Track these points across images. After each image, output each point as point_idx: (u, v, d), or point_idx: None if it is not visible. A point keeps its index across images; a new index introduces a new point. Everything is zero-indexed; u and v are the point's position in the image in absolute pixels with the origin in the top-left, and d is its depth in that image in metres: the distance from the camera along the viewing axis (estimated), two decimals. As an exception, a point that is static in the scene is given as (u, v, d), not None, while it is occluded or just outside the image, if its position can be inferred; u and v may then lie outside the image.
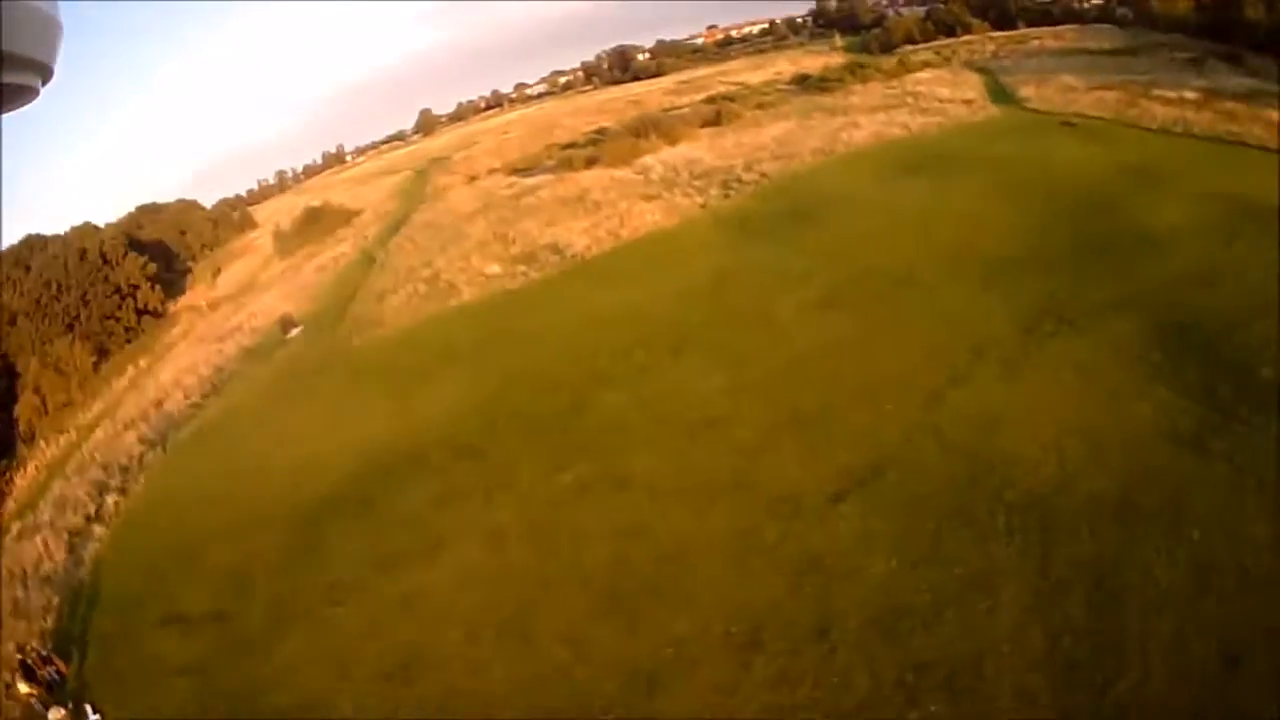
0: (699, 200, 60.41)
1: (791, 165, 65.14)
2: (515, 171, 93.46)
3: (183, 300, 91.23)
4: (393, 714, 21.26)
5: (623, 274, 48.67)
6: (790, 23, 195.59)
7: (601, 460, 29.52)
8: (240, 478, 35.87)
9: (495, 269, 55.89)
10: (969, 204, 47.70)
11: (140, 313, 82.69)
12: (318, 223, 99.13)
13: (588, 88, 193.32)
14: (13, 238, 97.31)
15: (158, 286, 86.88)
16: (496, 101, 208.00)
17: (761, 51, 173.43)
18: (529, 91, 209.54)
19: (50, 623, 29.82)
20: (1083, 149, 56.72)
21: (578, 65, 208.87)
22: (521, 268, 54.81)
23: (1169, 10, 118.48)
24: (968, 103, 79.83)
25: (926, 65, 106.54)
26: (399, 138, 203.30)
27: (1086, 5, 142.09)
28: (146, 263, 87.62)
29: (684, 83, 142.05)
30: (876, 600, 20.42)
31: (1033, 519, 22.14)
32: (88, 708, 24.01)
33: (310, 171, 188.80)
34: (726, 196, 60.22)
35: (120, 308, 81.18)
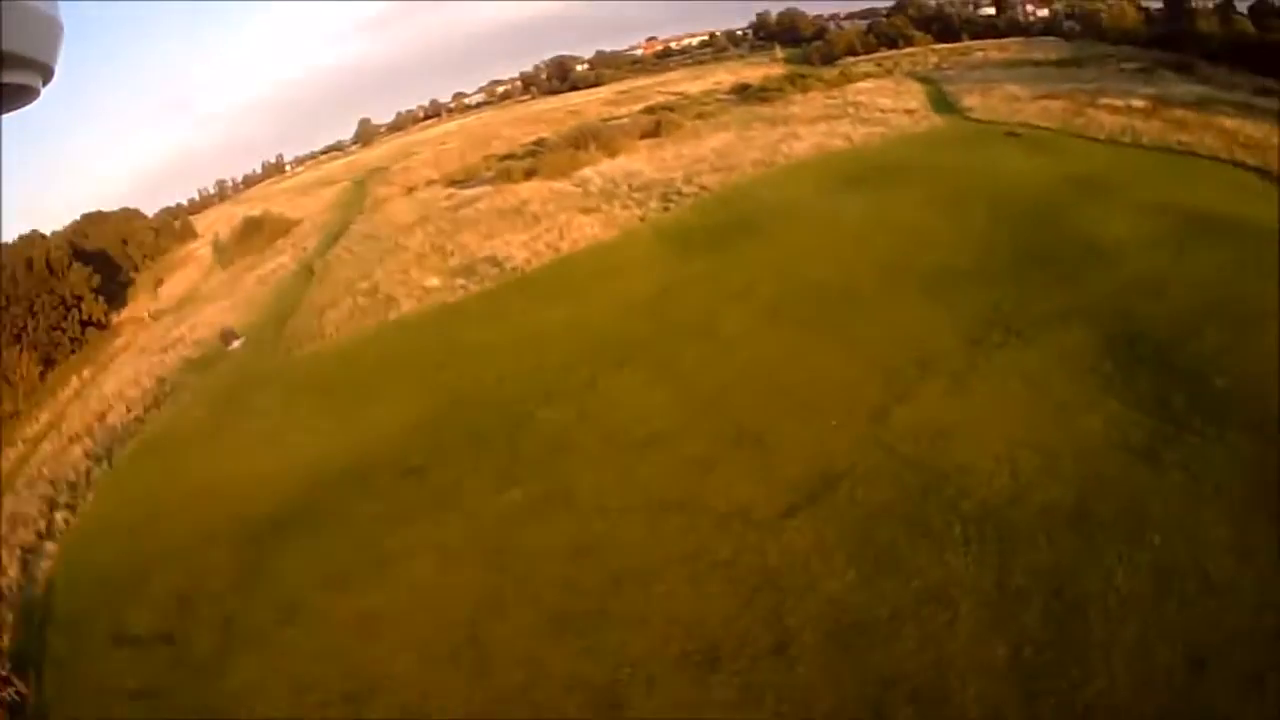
0: (638, 213, 60.49)
1: (732, 177, 65.44)
2: (453, 183, 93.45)
3: (125, 311, 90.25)
4: (349, 738, 20.92)
5: (563, 287, 48.57)
6: (730, 35, 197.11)
7: (548, 478, 29.35)
8: (186, 494, 35.26)
9: (434, 282, 55.61)
10: (912, 215, 48.15)
11: (84, 324, 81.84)
12: (257, 233, 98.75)
13: (526, 98, 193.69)
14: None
15: (101, 298, 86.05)
16: (435, 111, 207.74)
17: (701, 63, 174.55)
18: (467, 101, 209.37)
19: (7, 642, 29.21)
20: (1028, 159, 57.77)
21: (516, 75, 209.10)
22: (460, 281, 54.57)
23: (1117, 22, 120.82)
24: (910, 113, 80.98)
25: (868, 76, 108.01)
26: (338, 148, 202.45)
27: (1032, 18, 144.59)
28: (91, 274, 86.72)
29: (623, 93, 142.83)
30: (834, 614, 20.48)
31: (988, 530, 22.38)
32: None
33: (250, 181, 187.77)
34: (666, 209, 60.36)
35: (65, 319, 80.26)
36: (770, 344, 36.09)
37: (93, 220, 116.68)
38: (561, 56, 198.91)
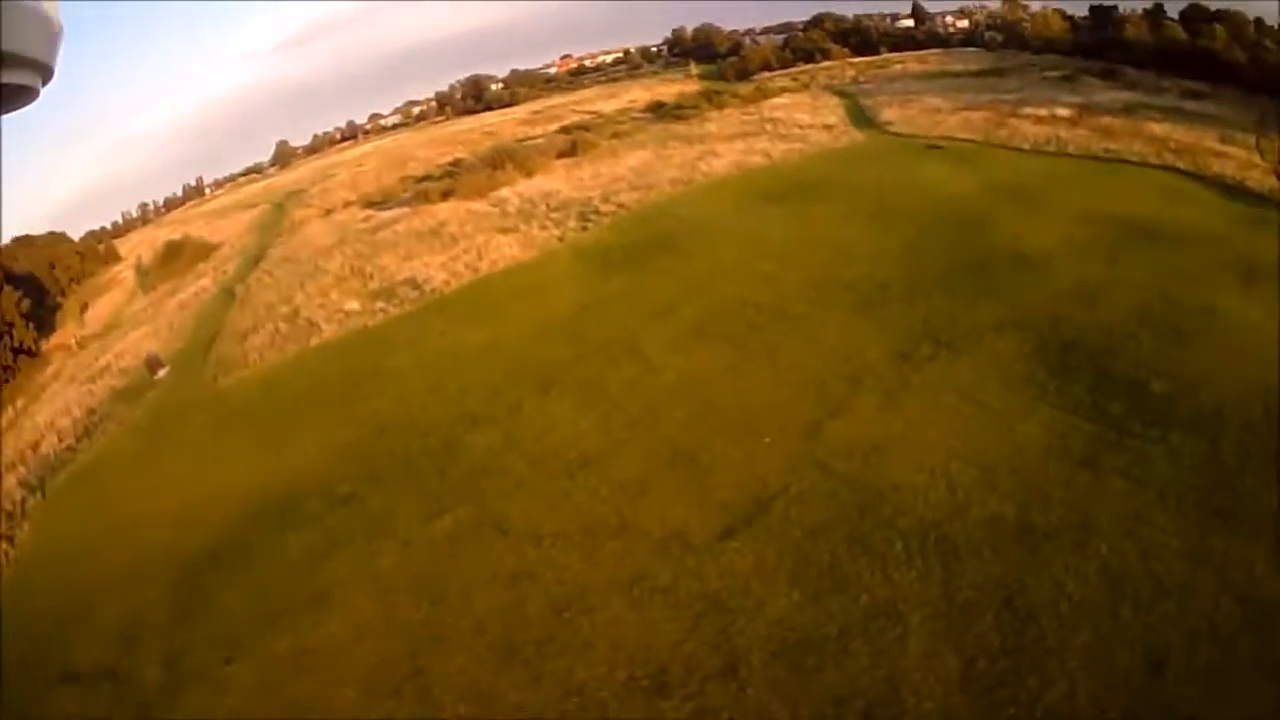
0: (556, 233, 60.38)
1: (650, 195, 65.57)
2: (371, 204, 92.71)
3: (54, 338, 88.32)
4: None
5: (483, 309, 48.25)
6: (645, 51, 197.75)
7: (479, 504, 29.00)
8: (119, 526, 34.28)
9: (354, 305, 55.00)
10: (835, 231, 48.85)
11: (16, 351, 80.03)
12: (178, 257, 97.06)
13: (441, 118, 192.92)
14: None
15: (31, 324, 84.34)
16: (351, 133, 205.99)
17: (615, 80, 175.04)
18: (383, 122, 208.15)
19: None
20: (951, 171, 58.95)
21: (431, 95, 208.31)
22: (380, 304, 54.03)
23: (1041, 31, 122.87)
24: (829, 128, 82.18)
25: (785, 91, 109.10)
26: (256, 170, 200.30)
27: (952, 29, 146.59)
28: (20, 299, 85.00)
29: (538, 112, 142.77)
30: (781, 634, 20.47)
31: (930, 544, 22.62)
32: None
33: (171, 204, 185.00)
34: (584, 228, 60.28)
35: (-1, 347, 78.61)
36: (697, 363, 36.12)
37: (21, 244, 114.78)
38: (476, 76, 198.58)
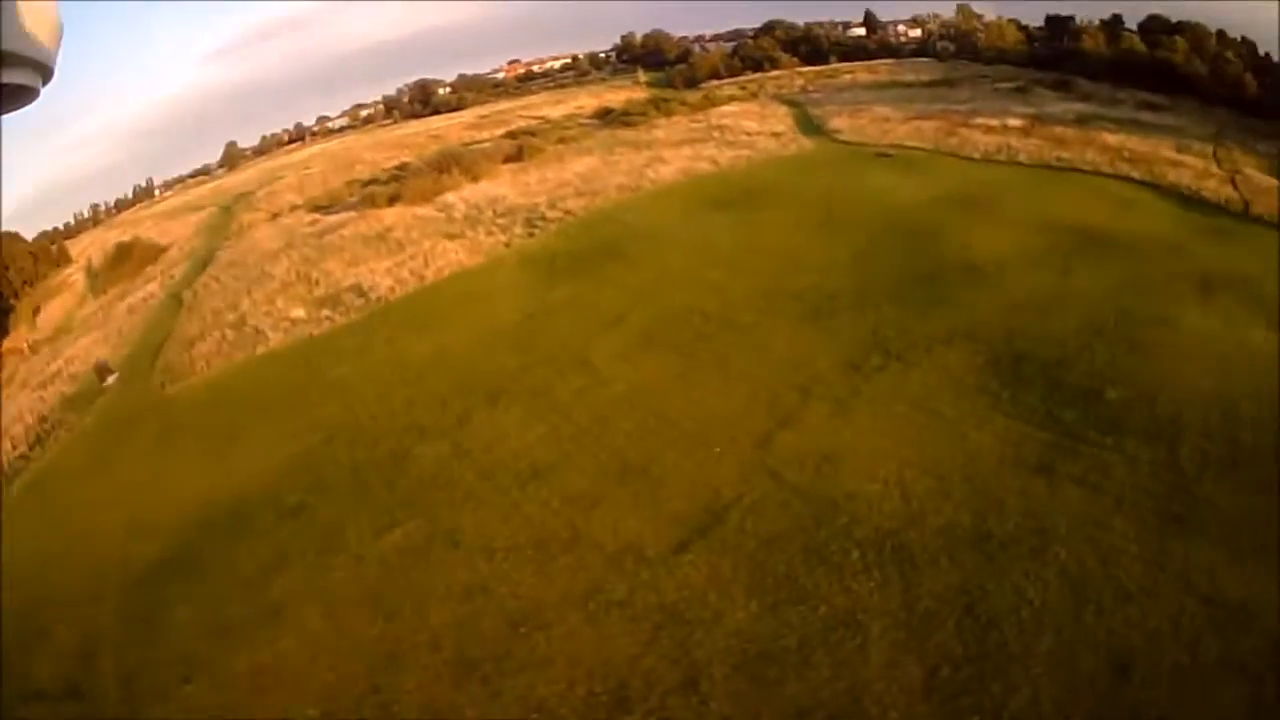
0: (503, 239, 60.12)
1: (597, 202, 65.52)
2: (317, 208, 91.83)
3: (7, 341, 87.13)
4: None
5: (429, 317, 47.86)
6: (593, 57, 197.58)
7: (430, 517, 28.71)
8: (72, 539, 33.55)
9: (300, 313, 54.41)
10: (783, 239, 49.16)
11: None
12: (128, 259, 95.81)
13: (388, 121, 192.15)
14: None
15: None
16: (299, 135, 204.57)
17: (563, 86, 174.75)
18: (331, 125, 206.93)
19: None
20: (900, 180, 59.60)
21: (379, 98, 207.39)
22: (326, 311, 53.49)
23: (995, 41, 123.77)
24: (776, 135, 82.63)
25: (733, 99, 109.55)
26: (205, 171, 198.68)
27: (904, 39, 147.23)
28: None
29: (485, 117, 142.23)
30: (740, 647, 20.53)
31: (887, 553, 22.85)
32: None
33: (122, 205, 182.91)
34: (531, 235, 60.03)
35: (-44, 351, 77.42)
36: (646, 372, 36.06)
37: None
38: (424, 80, 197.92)
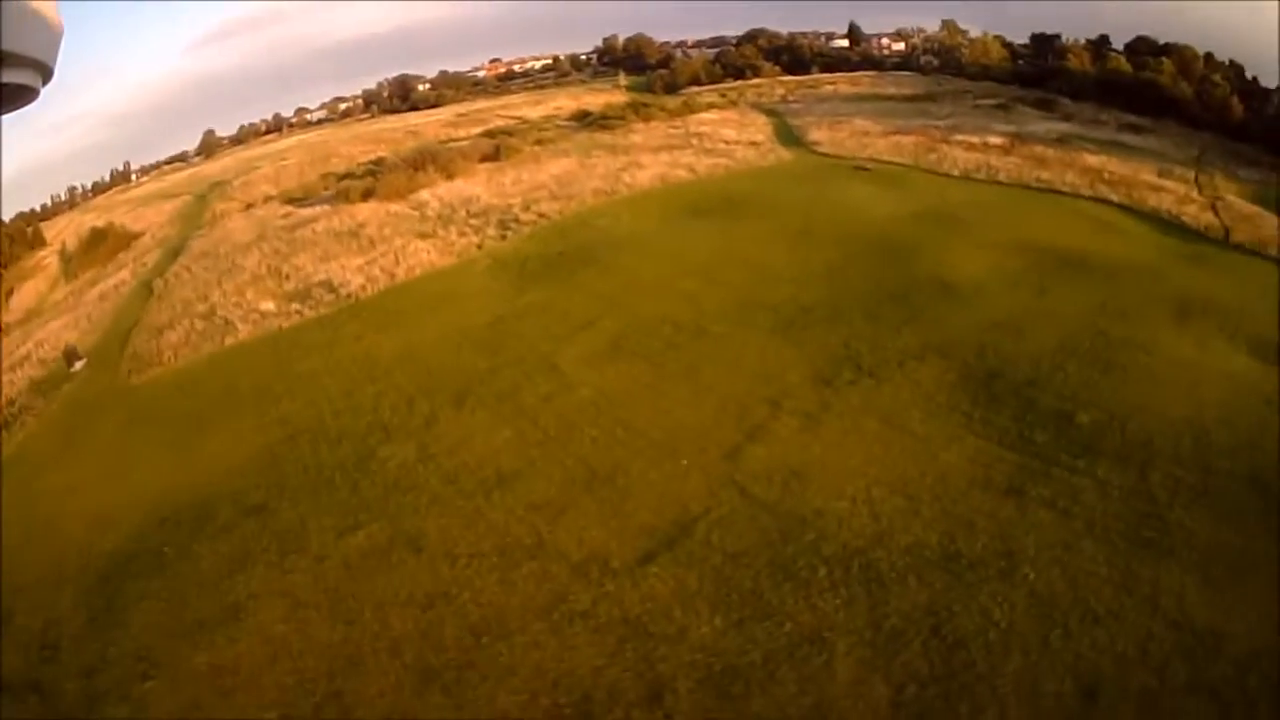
0: (475, 240, 60.10)
1: (571, 205, 65.55)
2: (291, 201, 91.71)
3: None
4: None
5: (399, 316, 47.91)
6: (574, 59, 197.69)
7: (392, 520, 28.64)
8: (35, 526, 33.23)
9: (270, 306, 54.29)
10: (758, 249, 49.22)
11: None
12: (101, 245, 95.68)
13: (366, 116, 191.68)
14: None
15: None
16: (277, 125, 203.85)
17: (543, 87, 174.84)
18: (309, 117, 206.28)
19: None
20: (878, 194, 60.06)
21: (359, 92, 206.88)
22: (295, 305, 53.38)
23: (979, 58, 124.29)
24: (755, 145, 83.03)
25: (712, 107, 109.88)
26: (181, 158, 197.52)
27: (888, 52, 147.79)
28: None
29: (463, 115, 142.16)
30: (705, 661, 20.60)
31: (854, 571, 22.97)
32: None
33: (98, 189, 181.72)
34: (504, 237, 60.03)
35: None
36: (614, 380, 36.10)
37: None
38: (404, 75, 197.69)
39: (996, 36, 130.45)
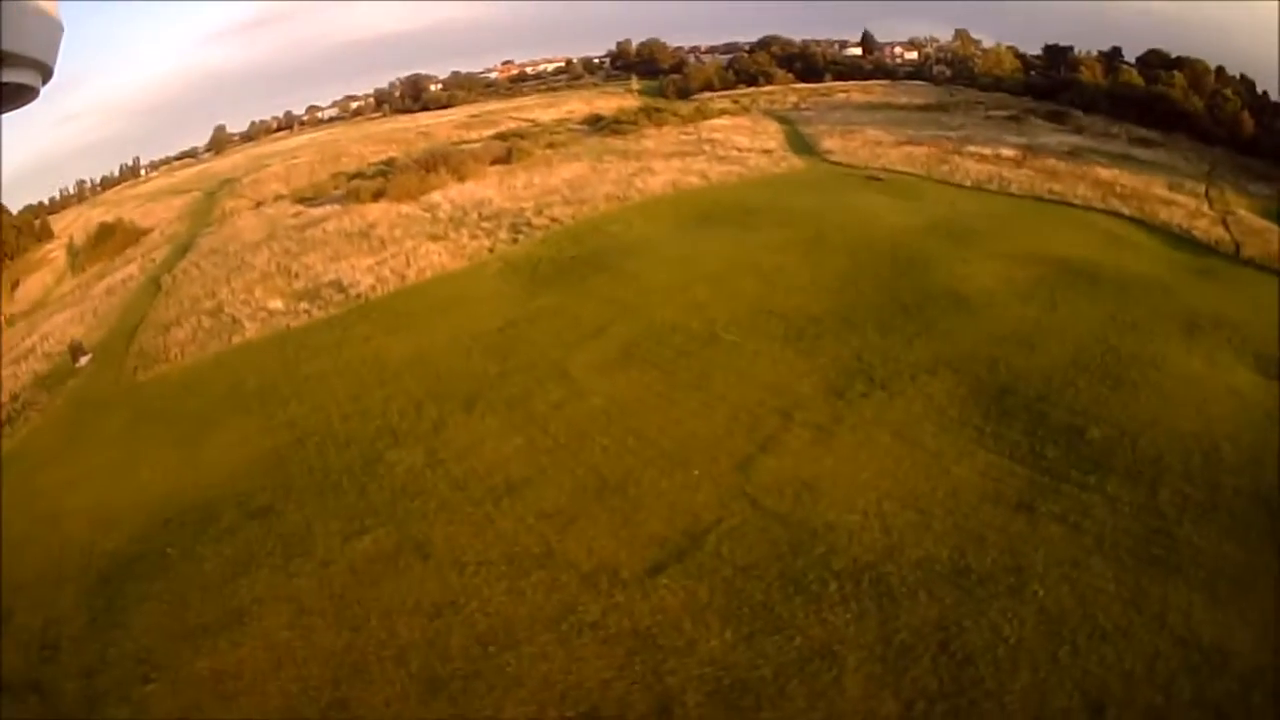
0: (487, 243, 60.07)
1: (584, 210, 65.51)
2: (302, 199, 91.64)
3: None
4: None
5: (409, 318, 47.89)
6: (587, 63, 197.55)
7: (400, 526, 28.58)
8: (36, 523, 33.10)
9: (278, 305, 54.28)
10: (770, 258, 49.00)
11: None
12: (109, 240, 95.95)
13: (378, 115, 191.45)
14: None
15: None
16: (288, 123, 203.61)
17: (555, 90, 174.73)
18: (320, 115, 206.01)
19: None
20: (890, 204, 59.84)
21: (370, 91, 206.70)
22: (304, 305, 53.38)
23: (992, 68, 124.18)
24: (768, 153, 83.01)
25: (724, 113, 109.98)
26: (191, 154, 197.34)
27: (901, 61, 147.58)
28: None
29: (475, 116, 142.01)
30: (715, 675, 20.58)
31: (865, 586, 22.97)
32: None
33: (107, 183, 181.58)
34: (515, 240, 60.04)
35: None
36: (626, 388, 36.03)
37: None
38: (416, 75, 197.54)
39: (1009, 48, 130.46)
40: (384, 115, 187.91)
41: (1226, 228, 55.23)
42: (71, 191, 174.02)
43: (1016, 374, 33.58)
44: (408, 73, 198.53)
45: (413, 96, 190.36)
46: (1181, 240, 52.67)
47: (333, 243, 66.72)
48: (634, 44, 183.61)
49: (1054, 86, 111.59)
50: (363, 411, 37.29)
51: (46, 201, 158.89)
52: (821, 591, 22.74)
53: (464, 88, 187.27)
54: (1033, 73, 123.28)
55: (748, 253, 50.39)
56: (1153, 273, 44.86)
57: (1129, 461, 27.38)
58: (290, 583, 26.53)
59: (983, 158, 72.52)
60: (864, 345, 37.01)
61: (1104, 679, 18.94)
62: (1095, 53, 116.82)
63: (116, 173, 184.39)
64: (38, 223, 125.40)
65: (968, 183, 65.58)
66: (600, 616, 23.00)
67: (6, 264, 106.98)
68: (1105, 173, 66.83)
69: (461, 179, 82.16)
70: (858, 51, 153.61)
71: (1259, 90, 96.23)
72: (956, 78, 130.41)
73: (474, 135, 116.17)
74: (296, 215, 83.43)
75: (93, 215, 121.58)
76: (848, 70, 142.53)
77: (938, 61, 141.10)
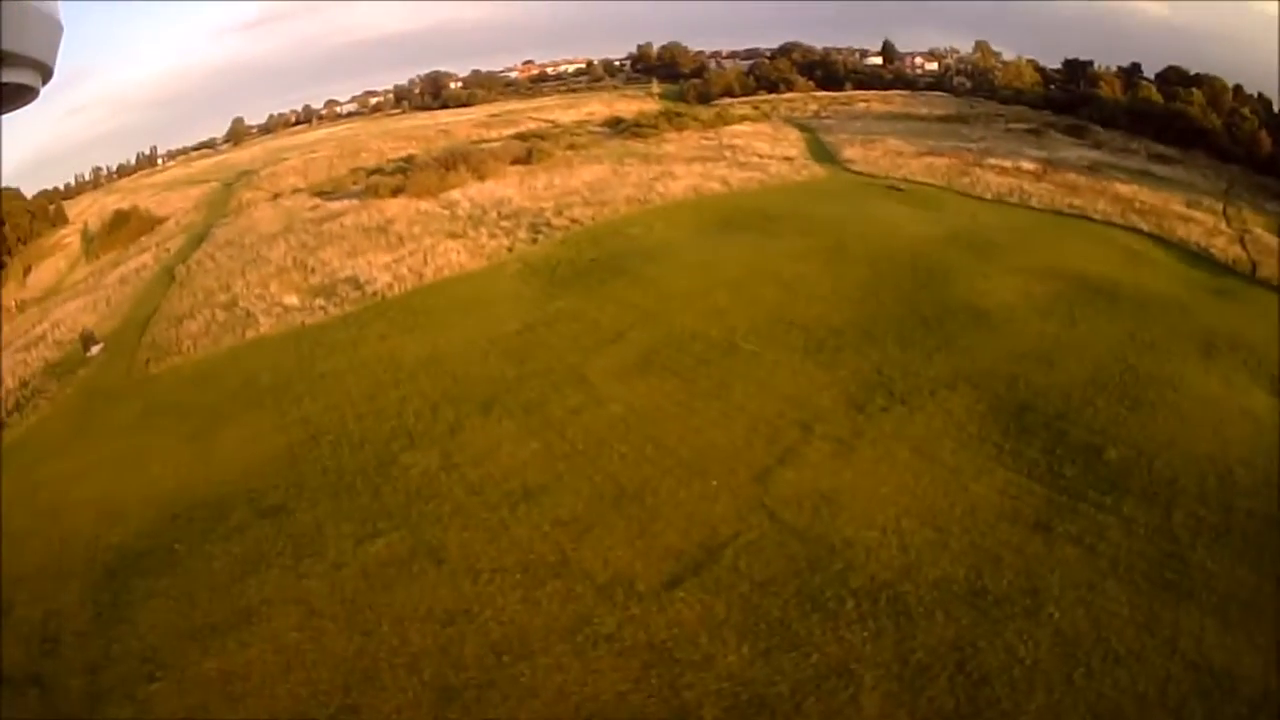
0: (506, 243, 60.00)
1: (604, 212, 65.43)
2: (320, 193, 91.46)
3: None
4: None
5: (426, 317, 47.88)
6: (607, 65, 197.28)
7: (413, 530, 28.52)
8: (40, 514, 33.11)
9: (293, 300, 54.18)
10: (791, 266, 48.82)
11: None
12: (124, 227, 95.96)
13: (397, 111, 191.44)
14: None
15: None
16: (306, 117, 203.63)
17: (575, 91, 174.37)
18: (339, 110, 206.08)
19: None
20: (911, 215, 59.70)
21: (390, 87, 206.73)
22: (320, 301, 53.33)
23: (1012, 81, 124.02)
24: (789, 160, 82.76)
25: (745, 119, 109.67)
26: (209, 145, 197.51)
27: (921, 71, 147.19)
28: None
29: (495, 115, 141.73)
30: (732, 690, 20.52)
31: (882, 604, 22.93)
32: None
33: (124, 171, 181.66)
34: (535, 241, 60.01)
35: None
36: (644, 395, 35.88)
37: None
38: (437, 73, 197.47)
39: (1030, 61, 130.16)
40: (403, 112, 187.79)
41: (1243, 246, 55.22)
42: (87, 178, 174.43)
43: (1036, 391, 33.49)
44: (427, 70, 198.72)
45: (432, 94, 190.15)
46: (1199, 258, 52.61)
47: (350, 238, 66.66)
48: (655, 47, 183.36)
49: (1073, 101, 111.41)
50: (378, 411, 37.19)
51: (61, 187, 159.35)
52: (839, 609, 22.68)
53: (484, 87, 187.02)
54: (1052, 86, 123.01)
55: (768, 260, 50.22)
56: (1171, 291, 44.76)
57: (1145, 483, 27.33)
58: (301, 584, 26.51)
59: (1003, 170, 72.39)
60: (884, 359, 36.89)
61: (1118, 701, 18.98)
62: (1114, 68, 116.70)
63: (133, 161, 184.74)
64: (52, 208, 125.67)
65: (988, 195, 65.49)
66: (616, 628, 22.92)
67: (19, 249, 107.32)
68: (1124, 188, 66.73)
69: (481, 178, 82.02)
70: (878, 61, 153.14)
71: (1276, 109, 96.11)
72: (976, 90, 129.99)
73: (494, 134, 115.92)
74: (314, 208, 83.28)
75: (108, 202, 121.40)
76: (868, 79, 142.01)
77: (958, 73, 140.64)
